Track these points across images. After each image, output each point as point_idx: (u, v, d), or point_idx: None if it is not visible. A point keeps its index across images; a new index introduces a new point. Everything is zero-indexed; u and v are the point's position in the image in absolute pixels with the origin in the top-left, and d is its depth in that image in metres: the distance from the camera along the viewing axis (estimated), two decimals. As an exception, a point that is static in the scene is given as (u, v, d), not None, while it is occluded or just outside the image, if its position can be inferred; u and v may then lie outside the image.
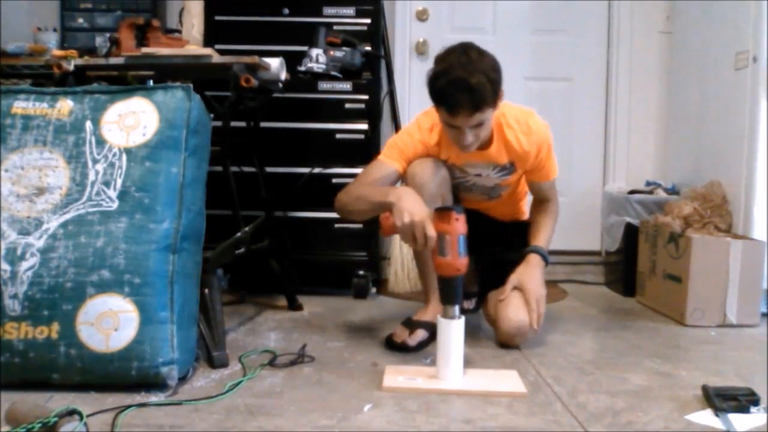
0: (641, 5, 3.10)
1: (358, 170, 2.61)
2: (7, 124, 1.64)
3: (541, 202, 2.07)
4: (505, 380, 1.63)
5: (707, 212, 2.41)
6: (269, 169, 2.49)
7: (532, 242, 1.98)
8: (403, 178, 1.93)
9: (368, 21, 2.66)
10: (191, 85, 1.69)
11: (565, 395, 1.55)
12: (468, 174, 1.99)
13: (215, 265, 1.86)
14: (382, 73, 2.86)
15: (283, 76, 2.18)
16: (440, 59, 1.73)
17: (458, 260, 1.59)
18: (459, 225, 1.60)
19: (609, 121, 3.18)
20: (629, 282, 2.72)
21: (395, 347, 1.88)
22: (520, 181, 2.10)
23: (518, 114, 1.92)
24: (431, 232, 1.59)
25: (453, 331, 1.60)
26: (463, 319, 1.62)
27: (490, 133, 1.87)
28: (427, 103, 1.97)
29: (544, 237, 1.99)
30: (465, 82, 1.65)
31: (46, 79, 2.42)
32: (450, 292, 1.61)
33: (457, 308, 1.60)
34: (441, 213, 1.62)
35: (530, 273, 1.93)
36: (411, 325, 1.93)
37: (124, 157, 1.60)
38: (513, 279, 1.92)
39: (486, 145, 1.89)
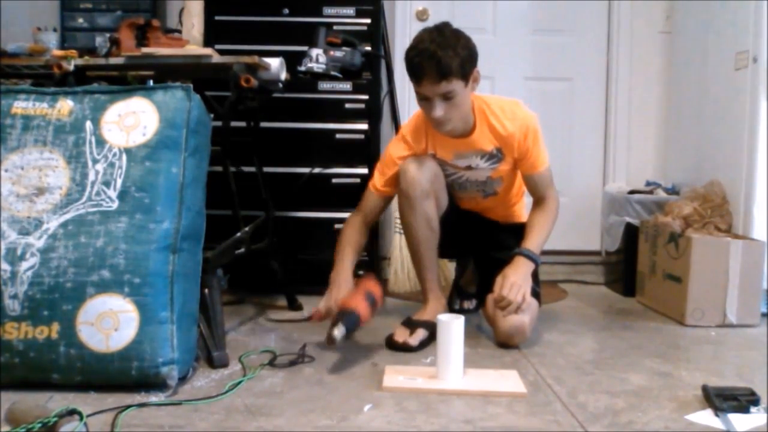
0: (641, 5, 3.10)
1: (358, 170, 2.64)
2: (7, 124, 1.64)
3: (538, 203, 2.06)
4: (505, 380, 1.63)
5: (707, 212, 2.41)
6: (269, 169, 2.49)
7: (523, 245, 1.97)
8: (392, 196, 2.06)
9: (368, 21, 2.66)
10: (191, 85, 1.69)
11: (565, 395, 1.55)
12: (459, 168, 1.99)
13: (215, 265, 1.85)
14: (382, 73, 2.86)
15: (283, 76, 2.18)
16: (416, 36, 1.84)
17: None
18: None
19: (609, 121, 3.18)
20: (629, 282, 2.72)
21: (397, 347, 1.88)
22: (515, 181, 2.10)
23: (503, 103, 1.96)
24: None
25: (453, 330, 1.60)
26: (462, 318, 1.62)
27: (471, 118, 1.91)
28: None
29: (534, 240, 1.98)
30: (432, 52, 1.75)
31: (46, 79, 2.41)
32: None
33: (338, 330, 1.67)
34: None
35: (513, 270, 1.91)
36: (411, 325, 1.93)
37: (124, 157, 1.60)
38: (499, 278, 1.91)
39: (469, 131, 1.92)
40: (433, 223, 1.96)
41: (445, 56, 1.74)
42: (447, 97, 1.79)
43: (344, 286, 1.87)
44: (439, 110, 1.80)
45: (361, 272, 2.60)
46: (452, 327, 1.60)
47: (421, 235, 1.96)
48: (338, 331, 1.66)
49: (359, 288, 1.83)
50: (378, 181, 2.02)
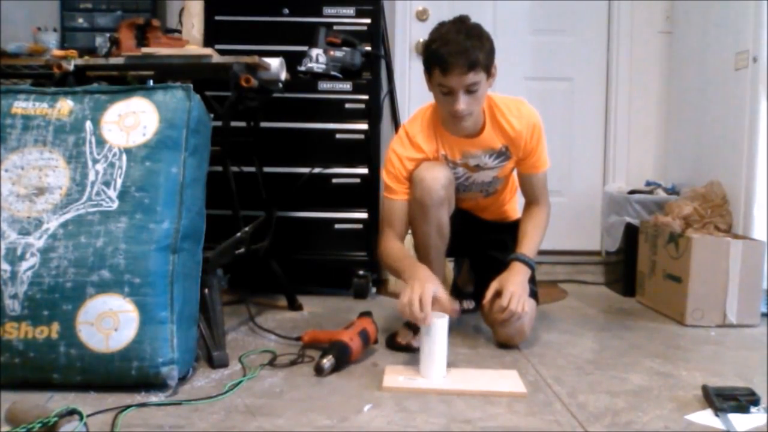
0: (641, 5, 3.10)
1: (358, 170, 2.64)
2: (7, 124, 1.64)
3: (531, 206, 2.04)
4: (505, 380, 1.63)
5: (707, 212, 2.41)
6: (269, 169, 2.49)
7: (518, 250, 1.96)
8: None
9: (368, 21, 2.66)
10: (191, 85, 1.69)
11: (565, 395, 1.55)
12: (469, 168, 1.98)
13: (215, 265, 1.86)
14: (382, 73, 2.85)
15: (283, 76, 2.18)
16: (436, 29, 1.81)
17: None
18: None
19: (609, 121, 3.18)
20: (629, 282, 2.72)
21: (400, 348, 1.88)
22: (510, 178, 2.10)
23: (508, 101, 1.95)
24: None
25: (436, 330, 1.62)
26: (446, 318, 1.64)
27: (481, 117, 1.89)
28: (427, 102, 1.98)
29: (529, 245, 1.96)
30: (460, 43, 1.73)
31: (46, 79, 2.41)
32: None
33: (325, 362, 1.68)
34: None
35: (511, 277, 1.89)
36: (414, 326, 1.92)
37: (124, 157, 1.60)
38: (494, 284, 1.89)
39: (479, 130, 1.91)
40: (445, 230, 1.92)
41: (473, 47, 1.73)
42: (471, 90, 1.77)
43: (431, 279, 1.72)
44: (463, 103, 1.77)
45: (361, 272, 2.62)
46: (434, 326, 1.62)
47: (431, 243, 1.92)
48: (327, 362, 1.67)
49: (355, 325, 1.83)
50: (395, 187, 1.92)
